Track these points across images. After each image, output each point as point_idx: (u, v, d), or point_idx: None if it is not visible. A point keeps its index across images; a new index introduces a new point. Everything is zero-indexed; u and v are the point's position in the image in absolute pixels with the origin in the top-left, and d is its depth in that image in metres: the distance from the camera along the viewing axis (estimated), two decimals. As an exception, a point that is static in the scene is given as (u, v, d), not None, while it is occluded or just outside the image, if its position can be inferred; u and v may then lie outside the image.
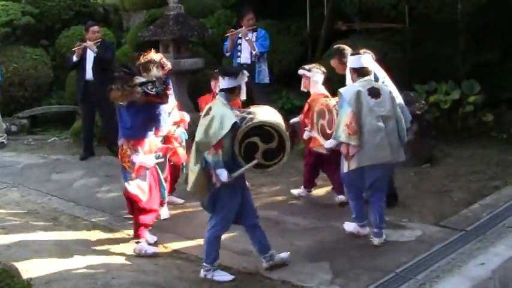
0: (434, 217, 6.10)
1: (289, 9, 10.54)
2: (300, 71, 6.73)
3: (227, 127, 4.82)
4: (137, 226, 5.78)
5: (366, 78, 5.58)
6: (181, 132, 6.70)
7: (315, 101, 6.50)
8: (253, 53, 8.58)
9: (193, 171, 4.96)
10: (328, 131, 6.07)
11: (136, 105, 5.54)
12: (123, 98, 5.51)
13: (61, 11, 11.79)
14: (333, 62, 6.39)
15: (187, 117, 6.79)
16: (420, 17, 9.12)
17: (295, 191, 6.99)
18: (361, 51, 5.67)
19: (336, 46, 6.71)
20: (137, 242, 5.76)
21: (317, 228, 6.03)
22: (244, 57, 8.71)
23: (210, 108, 5.03)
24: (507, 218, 5.84)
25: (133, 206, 5.77)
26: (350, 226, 5.83)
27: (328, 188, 6.98)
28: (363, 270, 5.10)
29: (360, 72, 5.59)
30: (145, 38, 9.66)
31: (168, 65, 6.32)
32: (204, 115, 5.03)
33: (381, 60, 6.19)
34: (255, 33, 8.67)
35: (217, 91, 6.98)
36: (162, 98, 5.62)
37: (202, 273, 5.14)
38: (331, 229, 6.01)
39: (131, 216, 5.97)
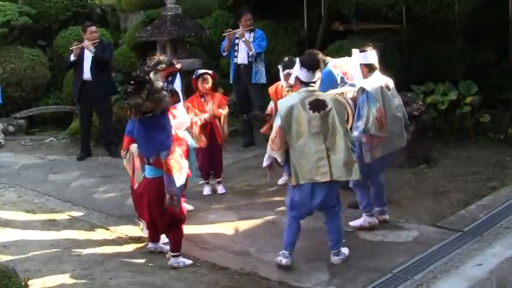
0: (431, 218, 6.11)
1: (286, 9, 10.54)
2: (289, 71, 6.47)
3: (350, 104, 5.25)
4: (179, 238, 5.41)
5: (376, 73, 5.74)
6: (191, 142, 6.21)
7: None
8: (250, 53, 8.59)
9: (353, 159, 5.12)
10: None
11: (165, 109, 5.24)
12: (157, 107, 5.10)
13: (58, 11, 11.74)
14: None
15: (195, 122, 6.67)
16: (417, 18, 9.13)
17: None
18: (367, 48, 5.81)
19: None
20: (175, 256, 5.40)
21: (314, 228, 6.00)
22: (242, 57, 8.72)
23: (321, 101, 5.06)
24: (504, 218, 5.85)
25: (171, 219, 5.31)
26: (357, 221, 5.88)
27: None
28: (360, 271, 5.10)
29: (370, 67, 5.76)
30: (142, 39, 9.67)
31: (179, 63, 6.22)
32: (320, 109, 5.02)
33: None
34: (252, 33, 8.68)
35: (202, 90, 6.98)
36: (178, 96, 5.62)
37: (338, 259, 5.26)
38: (328, 230, 6.01)
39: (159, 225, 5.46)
